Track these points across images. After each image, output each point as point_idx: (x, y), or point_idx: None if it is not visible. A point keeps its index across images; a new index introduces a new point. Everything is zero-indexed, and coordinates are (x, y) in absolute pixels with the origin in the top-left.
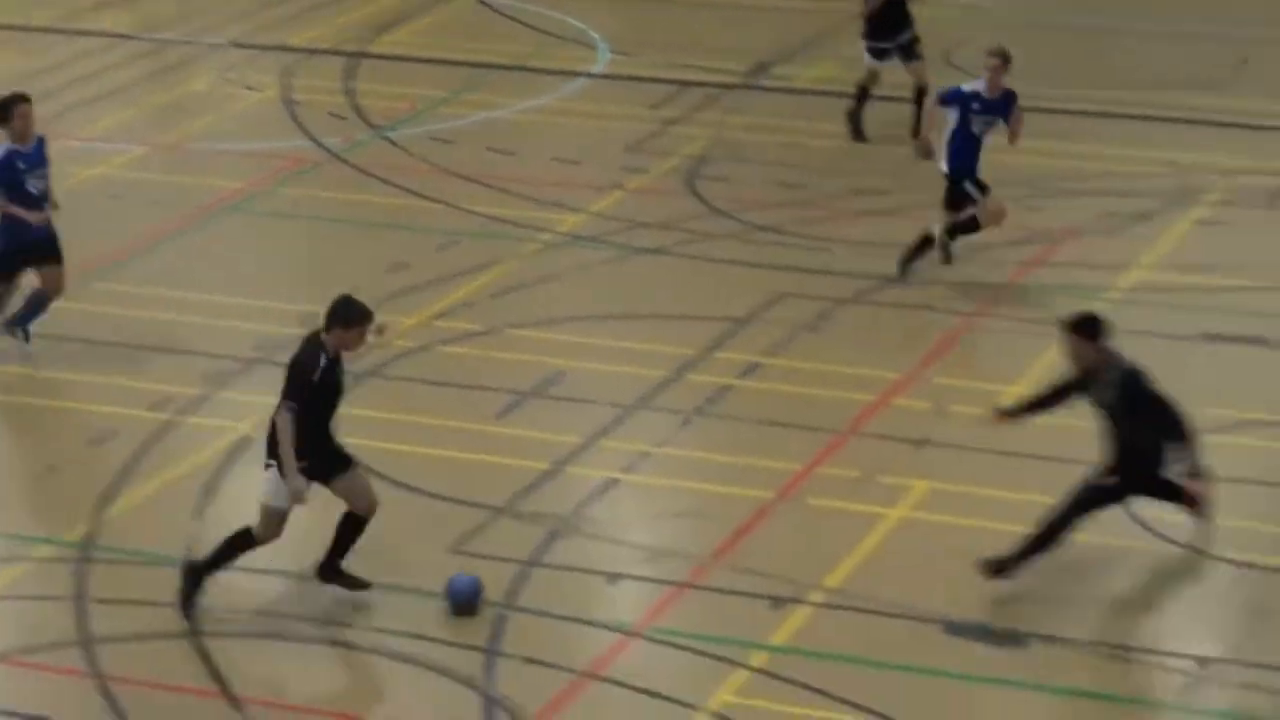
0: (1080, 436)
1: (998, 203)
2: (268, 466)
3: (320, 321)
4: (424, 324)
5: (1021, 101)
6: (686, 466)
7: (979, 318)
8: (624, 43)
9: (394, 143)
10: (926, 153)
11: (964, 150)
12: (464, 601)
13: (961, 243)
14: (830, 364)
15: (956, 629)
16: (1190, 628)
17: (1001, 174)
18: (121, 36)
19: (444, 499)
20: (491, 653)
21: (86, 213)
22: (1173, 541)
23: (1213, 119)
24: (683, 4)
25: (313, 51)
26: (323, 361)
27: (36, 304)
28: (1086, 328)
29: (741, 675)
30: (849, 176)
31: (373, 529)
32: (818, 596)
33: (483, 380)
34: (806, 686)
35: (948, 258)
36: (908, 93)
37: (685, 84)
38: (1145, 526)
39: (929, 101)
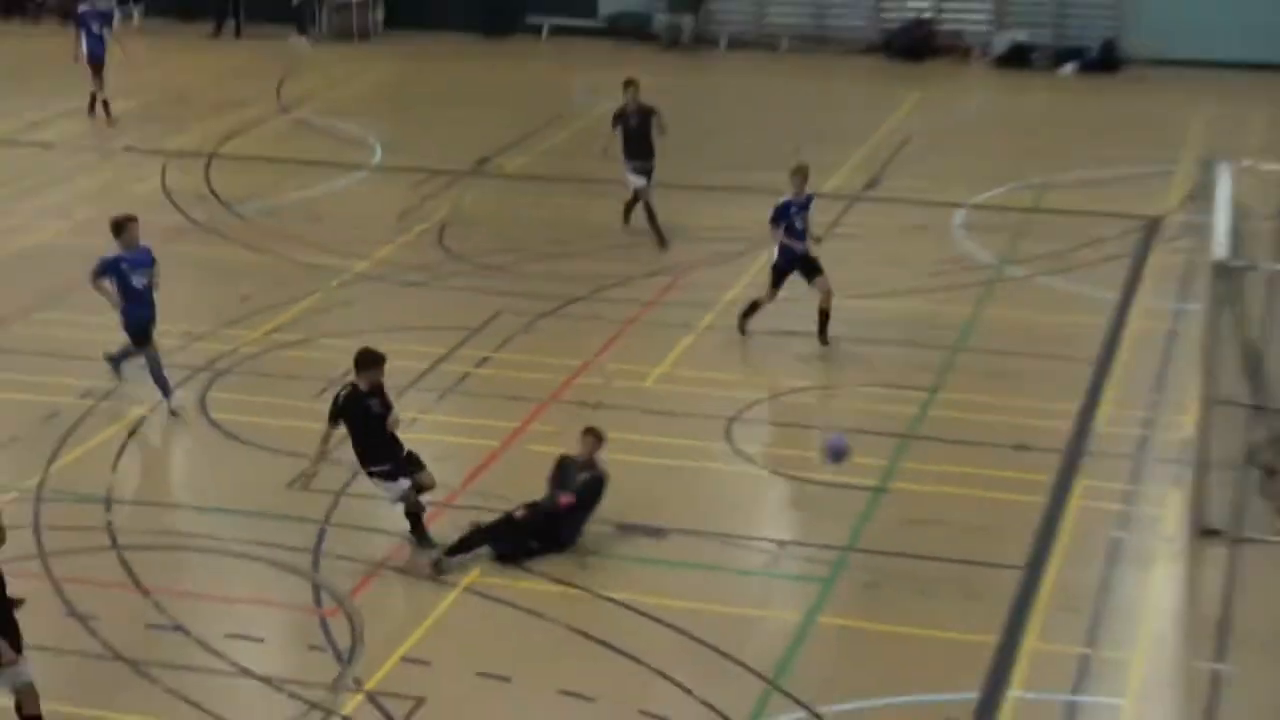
0: (683, 398)
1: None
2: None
3: None
4: (264, 336)
5: (659, 179)
6: (443, 427)
7: (633, 323)
8: (392, 144)
9: (240, 215)
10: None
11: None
12: (840, 450)
13: (620, 274)
14: (536, 356)
15: (626, 528)
16: (773, 523)
17: (640, 228)
18: (47, 146)
19: (282, 452)
20: (317, 553)
21: (36, 265)
22: (752, 461)
23: (776, 189)
24: (430, 118)
25: (181, 154)
26: (351, 397)
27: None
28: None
29: (482, 564)
30: (543, 231)
31: (230, 475)
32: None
33: (305, 372)
34: (525, 569)
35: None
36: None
37: (434, 172)
38: (744, 457)
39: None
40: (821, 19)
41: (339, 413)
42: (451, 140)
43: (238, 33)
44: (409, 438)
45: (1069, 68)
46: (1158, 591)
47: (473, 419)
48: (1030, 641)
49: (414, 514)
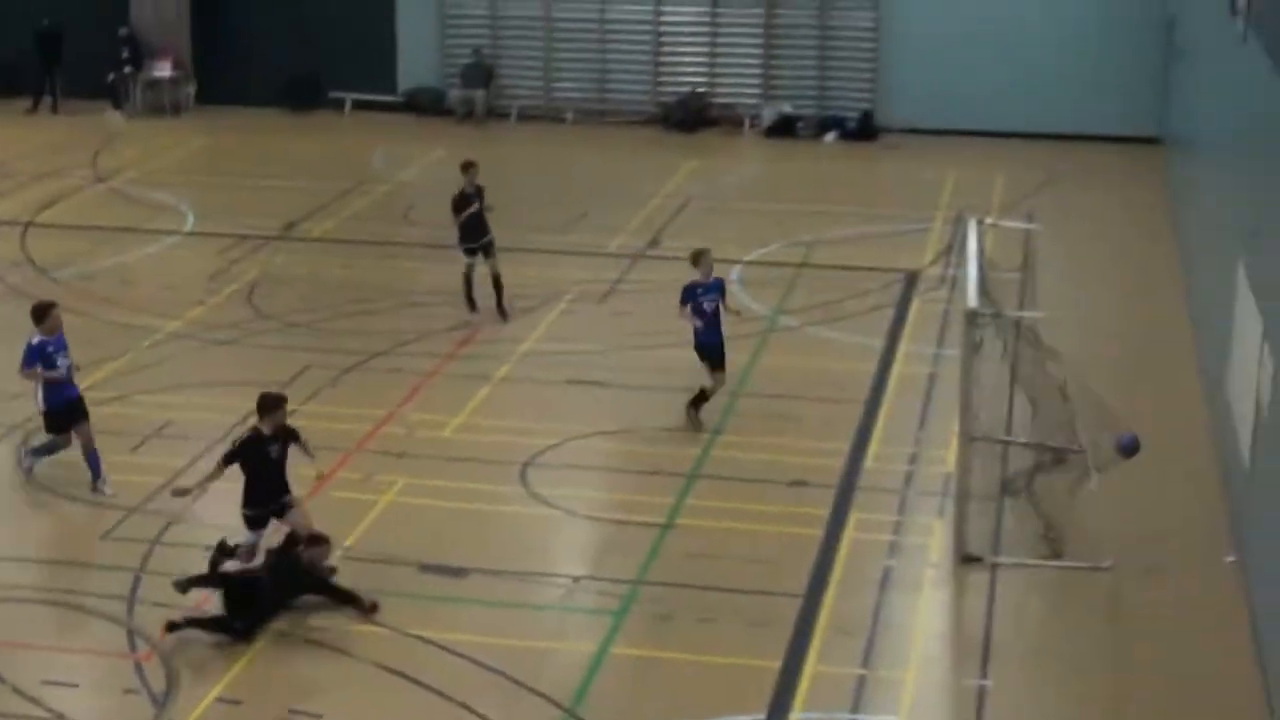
0: (481, 446)
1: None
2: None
3: None
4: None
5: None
6: None
7: (434, 375)
8: (204, 211)
9: (55, 280)
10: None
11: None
12: (1131, 447)
13: (419, 329)
14: (342, 408)
15: (428, 568)
16: (567, 560)
17: (437, 286)
18: None
19: (98, 504)
20: (131, 600)
21: None
22: (546, 503)
23: (565, 250)
24: (241, 186)
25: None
26: (250, 439)
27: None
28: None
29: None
30: (347, 291)
31: (46, 527)
32: (339, 552)
33: (121, 428)
34: (332, 609)
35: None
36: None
37: (244, 237)
38: (539, 499)
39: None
40: (604, 92)
41: (235, 456)
42: (260, 207)
43: (54, 108)
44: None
45: (831, 136)
46: (926, 615)
47: None
48: (811, 664)
49: (214, 564)
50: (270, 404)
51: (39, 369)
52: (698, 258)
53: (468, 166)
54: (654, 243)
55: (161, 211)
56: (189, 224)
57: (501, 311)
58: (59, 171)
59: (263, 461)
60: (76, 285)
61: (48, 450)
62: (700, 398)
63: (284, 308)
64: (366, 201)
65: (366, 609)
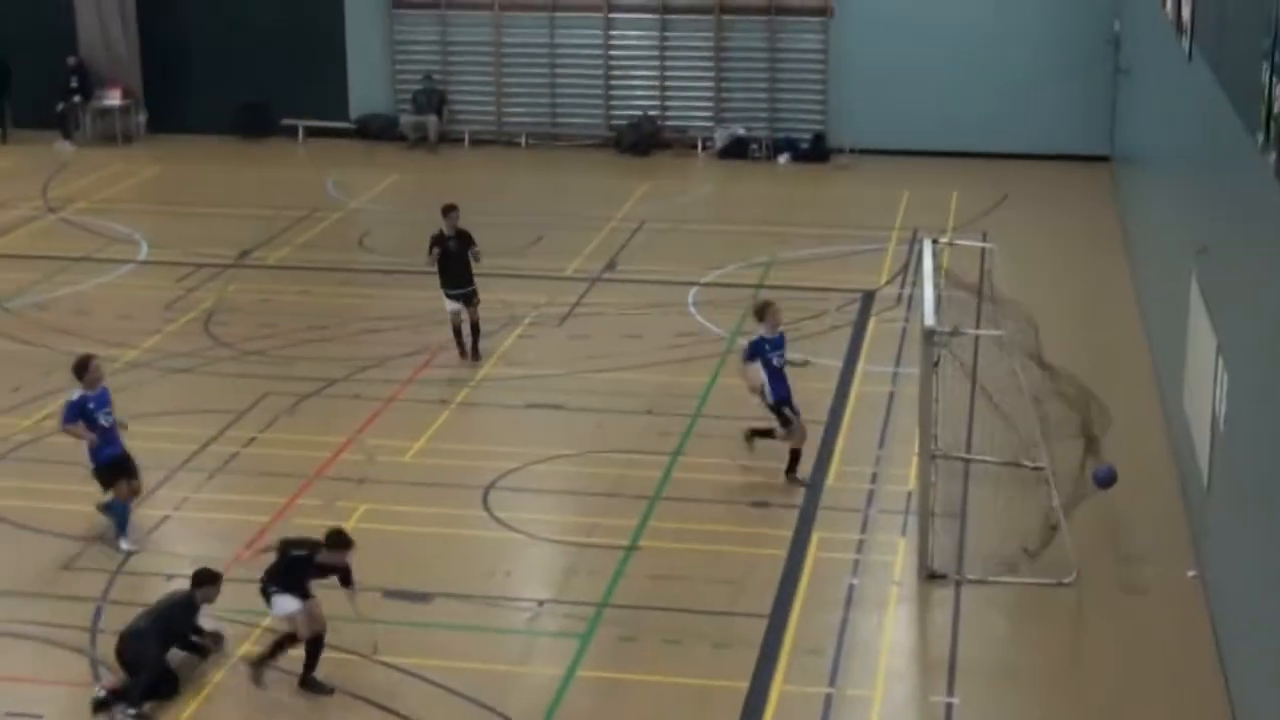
0: (442, 470)
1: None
2: (265, 595)
3: None
4: (35, 424)
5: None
6: (214, 505)
7: (393, 401)
8: (158, 240)
9: (8, 310)
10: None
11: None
12: (1108, 479)
13: (377, 355)
14: (301, 434)
15: (392, 593)
16: (532, 581)
17: (394, 312)
18: None
19: (59, 535)
20: (94, 630)
21: None
22: (508, 526)
23: (522, 273)
24: (195, 215)
25: None
26: (307, 560)
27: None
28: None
29: (257, 632)
30: (304, 317)
31: (17, 561)
32: None
33: (78, 458)
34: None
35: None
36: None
37: (199, 265)
38: (501, 523)
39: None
40: (555, 117)
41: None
42: (214, 235)
43: (3, 138)
44: (181, 516)
45: (784, 158)
46: (892, 632)
47: (242, 495)
48: (778, 684)
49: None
50: (338, 541)
51: (81, 425)
52: (764, 311)
53: (448, 210)
54: (610, 266)
55: (115, 241)
56: (143, 253)
57: (475, 353)
58: (10, 201)
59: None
60: (30, 315)
61: (119, 513)
62: (764, 433)
63: (241, 335)
64: (321, 228)
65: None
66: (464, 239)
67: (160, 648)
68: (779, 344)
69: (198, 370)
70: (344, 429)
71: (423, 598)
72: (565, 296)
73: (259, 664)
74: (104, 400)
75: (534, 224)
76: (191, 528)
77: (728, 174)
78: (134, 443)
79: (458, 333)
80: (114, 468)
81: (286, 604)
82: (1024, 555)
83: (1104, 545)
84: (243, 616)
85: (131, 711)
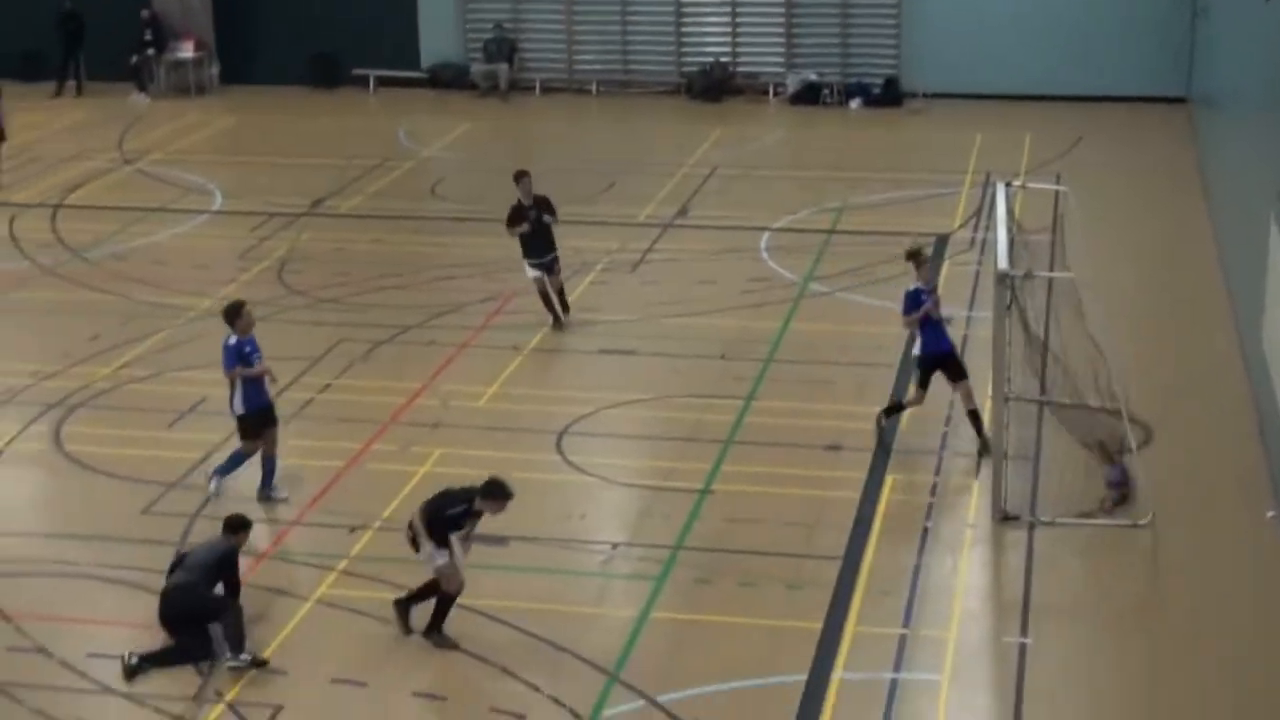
0: (515, 415)
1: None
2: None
3: None
4: (115, 372)
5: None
6: (290, 451)
7: (466, 347)
8: (232, 190)
9: (87, 260)
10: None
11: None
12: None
13: (450, 302)
14: (375, 380)
15: (465, 536)
16: (606, 525)
17: (467, 259)
18: None
19: (137, 480)
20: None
21: None
22: (582, 470)
23: (595, 220)
24: (268, 165)
25: (28, 205)
26: (465, 512)
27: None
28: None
29: (334, 575)
30: (377, 266)
31: (87, 504)
32: (377, 523)
33: (158, 405)
34: (374, 579)
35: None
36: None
37: (272, 214)
38: (575, 467)
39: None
40: (627, 63)
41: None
42: (287, 185)
43: (79, 91)
44: (257, 462)
45: (856, 103)
46: (966, 574)
47: (317, 441)
48: (851, 625)
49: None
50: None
51: (239, 369)
52: (919, 258)
53: (520, 177)
54: (682, 212)
55: (190, 191)
56: (217, 203)
57: (565, 311)
58: (86, 153)
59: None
60: (108, 265)
61: (236, 462)
62: (896, 408)
63: (314, 283)
64: (393, 177)
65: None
66: (542, 206)
67: (217, 596)
68: (933, 292)
69: (272, 318)
70: (418, 375)
71: (499, 541)
72: (637, 243)
73: (406, 605)
74: (255, 346)
75: (606, 171)
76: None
77: (799, 120)
78: (212, 390)
79: (546, 298)
80: (262, 417)
81: (439, 554)
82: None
83: (1181, 486)
84: (317, 560)
85: (244, 657)
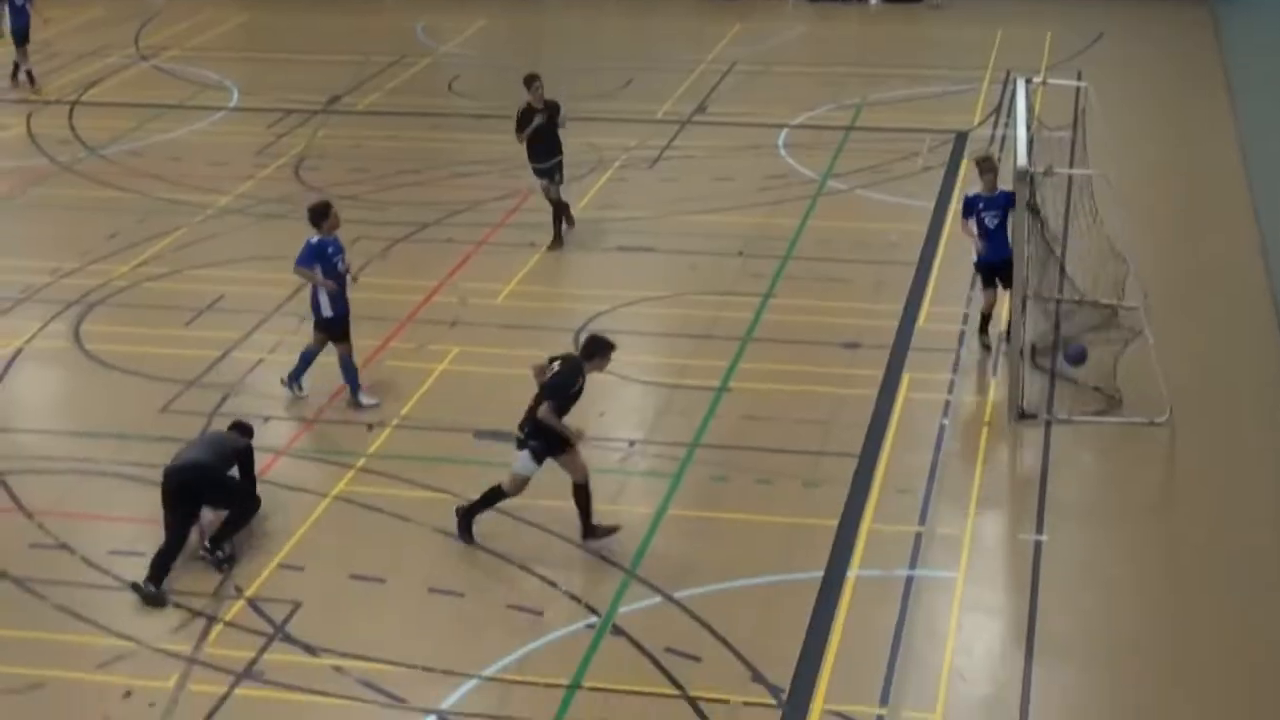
0: (533, 313)
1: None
2: (521, 446)
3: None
4: (132, 270)
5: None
6: None
7: (484, 244)
8: (248, 87)
9: (104, 157)
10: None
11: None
12: (1078, 356)
13: (467, 199)
14: (392, 278)
15: (484, 435)
16: (623, 422)
17: (484, 156)
18: None
19: (157, 379)
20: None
21: None
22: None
23: (612, 117)
24: (284, 61)
25: (45, 102)
26: (579, 382)
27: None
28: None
29: (351, 473)
30: (394, 162)
31: (107, 402)
32: (395, 421)
33: (176, 303)
34: (392, 476)
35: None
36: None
37: (288, 111)
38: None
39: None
40: None
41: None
42: (303, 81)
43: None
44: (275, 360)
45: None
46: (982, 472)
47: None
48: (867, 523)
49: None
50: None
51: (317, 270)
52: (983, 165)
53: (531, 81)
54: (701, 108)
55: (206, 87)
56: (234, 100)
57: (558, 237)
58: (103, 50)
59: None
60: (125, 162)
61: (306, 362)
62: (984, 321)
63: (332, 180)
64: (410, 74)
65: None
66: (552, 110)
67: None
68: (997, 203)
69: (290, 216)
70: (435, 272)
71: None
72: (655, 139)
73: (469, 515)
74: (339, 247)
75: (623, 68)
76: (285, 370)
77: (818, 15)
78: (229, 288)
79: (557, 209)
80: (344, 322)
81: (524, 464)
82: (1108, 399)
83: (1199, 383)
84: (335, 457)
85: (224, 550)
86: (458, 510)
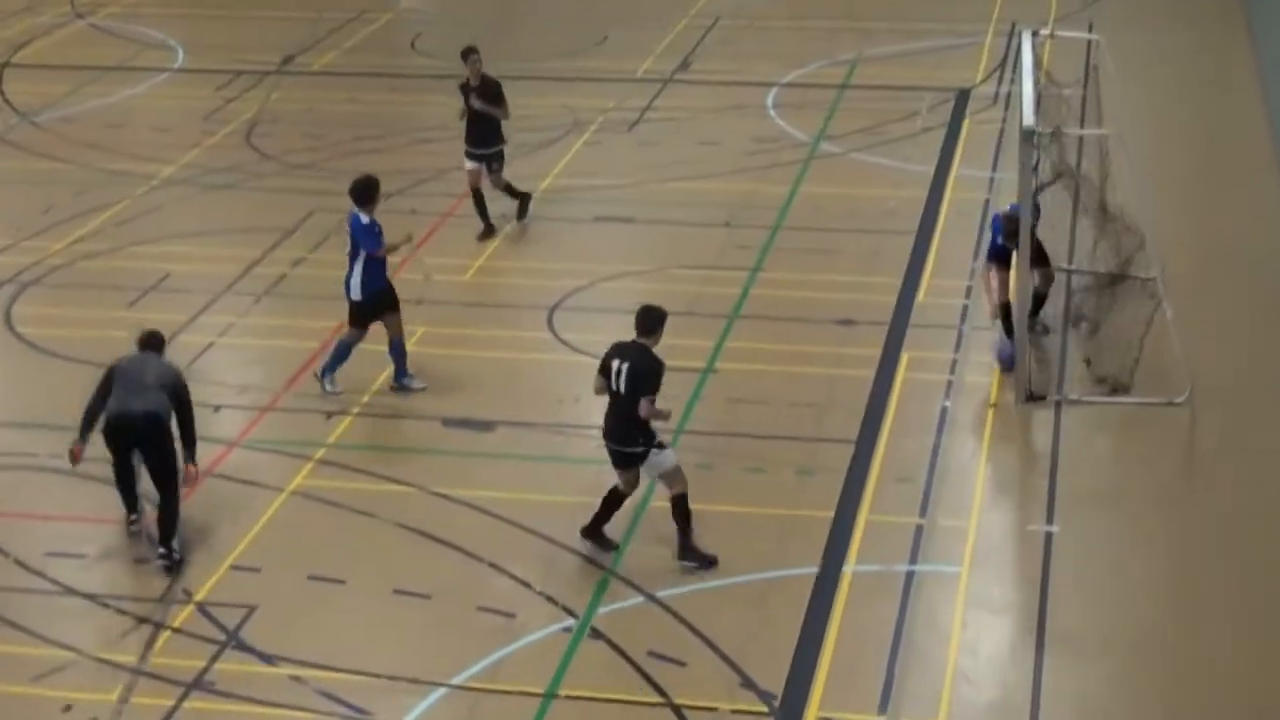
0: (503, 290)
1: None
2: (644, 454)
3: None
4: (68, 247)
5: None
6: (262, 330)
7: (450, 215)
8: (194, 46)
9: (37, 125)
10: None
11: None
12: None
13: (433, 167)
14: None
15: (452, 422)
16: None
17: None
18: None
19: (95, 364)
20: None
21: None
22: (576, 349)
23: (587, 76)
24: (233, 18)
25: None
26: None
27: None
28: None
29: (309, 465)
30: (353, 127)
31: (40, 390)
32: (355, 409)
33: (116, 282)
34: (353, 469)
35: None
36: None
37: (238, 73)
38: (568, 346)
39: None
40: None
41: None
42: (255, 40)
43: None
44: (226, 343)
45: None
46: (988, 458)
47: (291, 320)
48: (864, 514)
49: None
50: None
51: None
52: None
53: (467, 54)
54: (683, 66)
55: (148, 47)
56: (179, 60)
57: (489, 228)
58: (36, 6)
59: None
60: (60, 130)
61: (342, 355)
62: (1037, 304)
63: (286, 147)
64: (369, 31)
65: None
66: (489, 90)
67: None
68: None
69: (240, 186)
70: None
71: (485, 426)
72: (634, 100)
73: (596, 530)
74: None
75: (599, 21)
76: (237, 354)
77: None
78: (176, 265)
79: (478, 198)
80: (384, 299)
81: (668, 457)
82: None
83: (1219, 361)
84: (291, 448)
85: (176, 549)
86: (582, 531)
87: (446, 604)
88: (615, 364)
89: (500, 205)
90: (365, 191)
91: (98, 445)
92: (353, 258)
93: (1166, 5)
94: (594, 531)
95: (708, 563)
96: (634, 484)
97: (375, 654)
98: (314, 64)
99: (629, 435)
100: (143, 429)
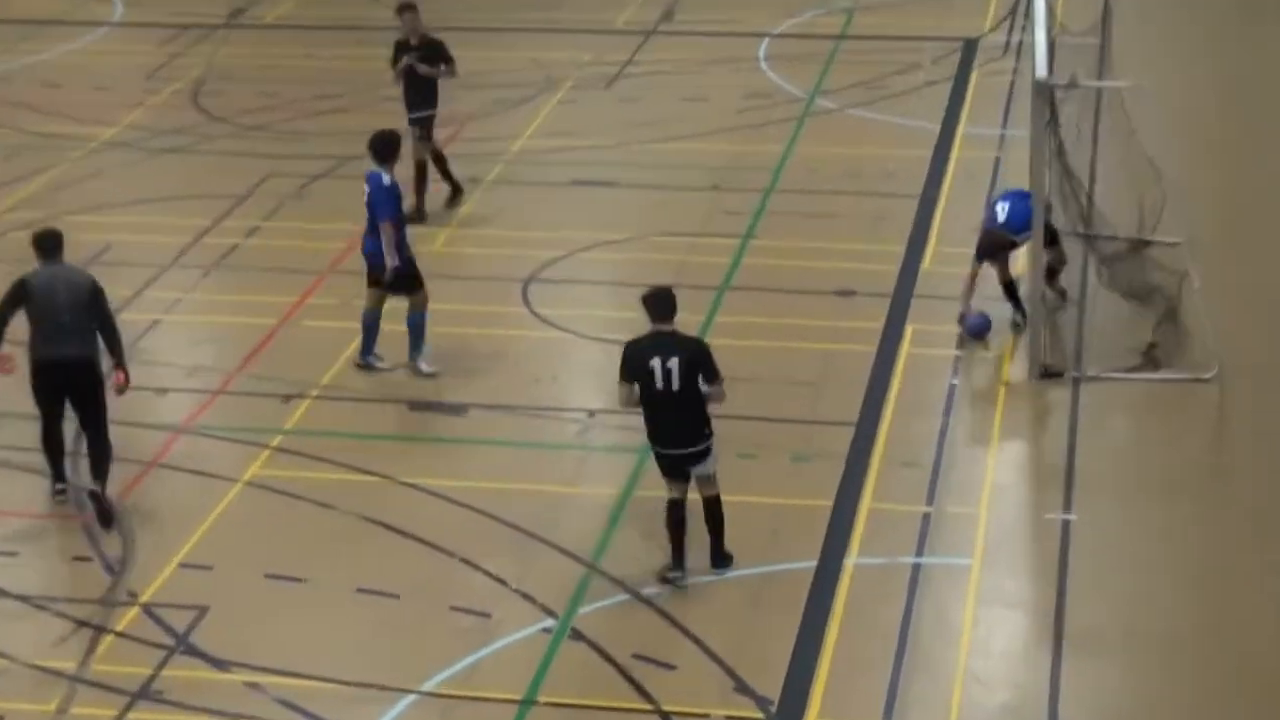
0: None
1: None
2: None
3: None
4: (1, 216)
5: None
6: (212, 306)
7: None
8: None
9: None
10: None
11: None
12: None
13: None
14: (311, 223)
15: (418, 405)
16: (581, 388)
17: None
18: None
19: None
20: (75, 454)
21: None
22: (554, 325)
23: (561, 27)
24: None
25: None
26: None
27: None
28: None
29: (265, 453)
30: (311, 85)
31: None
32: (315, 391)
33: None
34: (313, 457)
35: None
36: None
37: (184, 27)
38: (545, 321)
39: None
40: None
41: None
42: None
43: None
44: (173, 320)
45: None
46: (999, 440)
47: (244, 295)
48: (867, 503)
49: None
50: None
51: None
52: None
53: (402, 10)
54: (667, 16)
55: (85, 0)
56: (118, 12)
57: (419, 211)
58: None
59: None
60: None
61: (421, 331)
62: (1051, 274)
63: (237, 107)
64: None
65: None
66: (433, 51)
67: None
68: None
69: (188, 150)
70: (360, 215)
71: (456, 410)
72: (614, 54)
73: (716, 550)
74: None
75: None
76: (185, 333)
77: None
78: (117, 235)
79: (439, 162)
80: (415, 272)
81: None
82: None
83: (1249, 335)
84: (245, 435)
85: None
86: (714, 559)
87: (415, 603)
88: (657, 363)
89: (465, 168)
90: (386, 146)
91: (19, 433)
92: (373, 224)
93: None
94: (716, 553)
95: (731, 561)
96: (686, 487)
97: (338, 659)
98: (267, 16)
99: (697, 432)
100: (76, 376)
